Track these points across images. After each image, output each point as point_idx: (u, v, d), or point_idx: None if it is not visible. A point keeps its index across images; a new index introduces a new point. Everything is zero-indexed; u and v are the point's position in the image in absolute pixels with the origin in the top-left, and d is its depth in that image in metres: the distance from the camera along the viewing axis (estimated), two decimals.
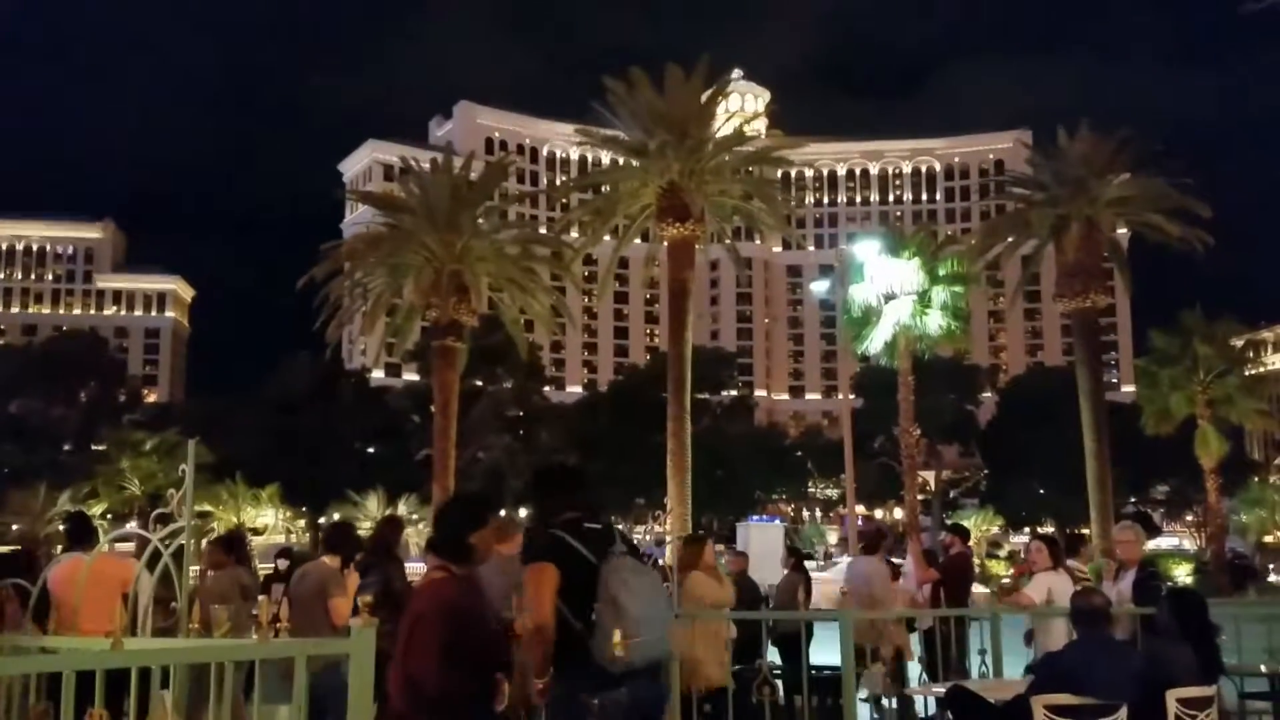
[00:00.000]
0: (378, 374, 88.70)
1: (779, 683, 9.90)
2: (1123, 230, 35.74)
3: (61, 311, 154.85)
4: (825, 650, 9.42)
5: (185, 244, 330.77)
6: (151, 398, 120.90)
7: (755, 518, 63.72)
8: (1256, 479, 56.06)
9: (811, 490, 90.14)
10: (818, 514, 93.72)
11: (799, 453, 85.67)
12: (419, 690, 4.29)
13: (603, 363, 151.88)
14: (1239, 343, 49.74)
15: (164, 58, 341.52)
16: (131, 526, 11.13)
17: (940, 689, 7.54)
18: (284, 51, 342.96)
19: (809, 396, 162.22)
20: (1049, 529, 60.32)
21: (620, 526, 9.38)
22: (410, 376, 77.90)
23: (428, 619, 4.31)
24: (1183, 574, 44.83)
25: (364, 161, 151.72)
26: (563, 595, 4.37)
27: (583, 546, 4.46)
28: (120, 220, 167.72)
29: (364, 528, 50.68)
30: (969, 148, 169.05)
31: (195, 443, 6.64)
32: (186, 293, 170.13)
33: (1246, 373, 48.04)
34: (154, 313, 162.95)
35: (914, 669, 10.18)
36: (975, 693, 6.96)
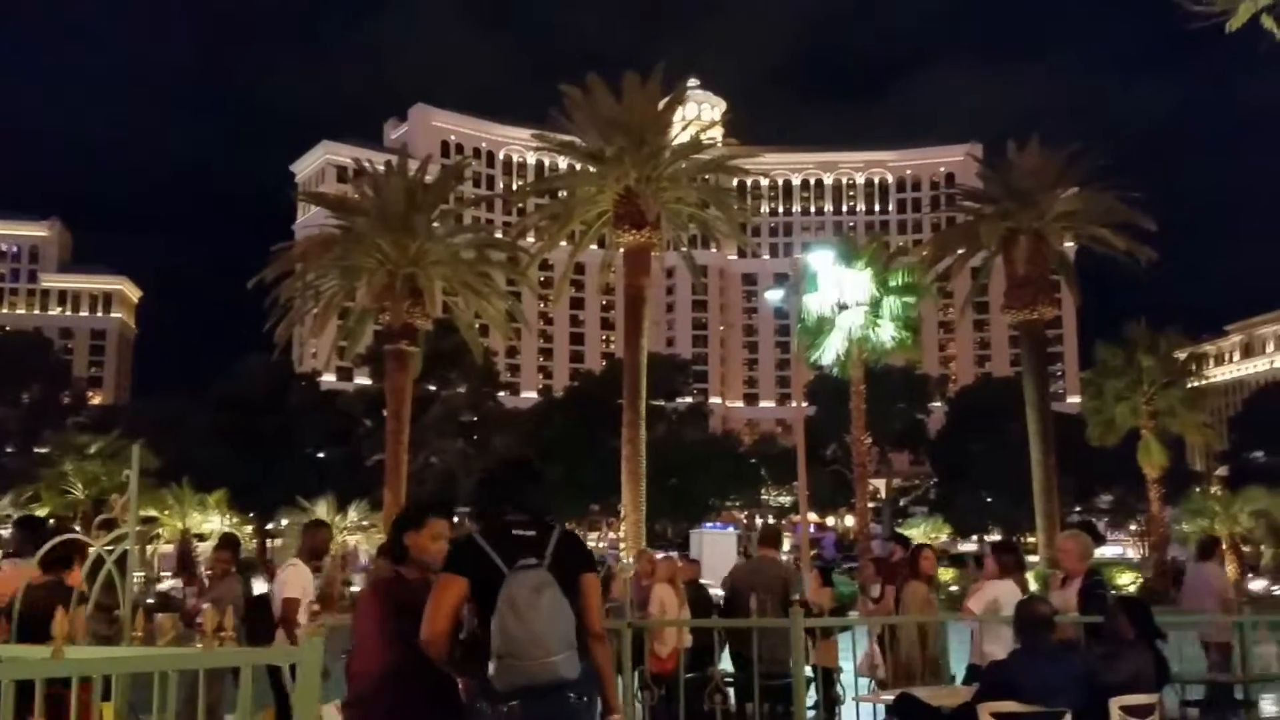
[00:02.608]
0: (329, 377, 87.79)
1: (730, 690, 9.94)
2: (1070, 243, 36.39)
3: (5, 311, 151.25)
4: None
5: (133, 244, 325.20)
6: (96, 400, 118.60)
7: (709, 525, 63.93)
8: (1198, 489, 57.13)
9: (765, 498, 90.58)
10: (770, 521, 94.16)
11: (753, 460, 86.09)
12: (369, 667, 4.52)
13: (558, 368, 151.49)
14: (1182, 355, 50.73)
15: (114, 54, 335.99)
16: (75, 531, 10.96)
17: (889, 696, 7.62)
18: (237, 50, 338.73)
19: (763, 404, 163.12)
20: (996, 537, 61.18)
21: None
22: (362, 380, 77.13)
23: (365, 597, 4.73)
24: (1127, 582, 45.64)
25: (317, 162, 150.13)
26: (473, 602, 4.30)
27: (498, 553, 4.29)
28: (67, 219, 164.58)
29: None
30: (921, 160, 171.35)
31: (140, 446, 6.53)
32: (133, 293, 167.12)
33: (1189, 385, 49.01)
34: (100, 313, 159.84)
35: (848, 679, 10.26)
36: (923, 700, 7.04)
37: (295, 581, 8.38)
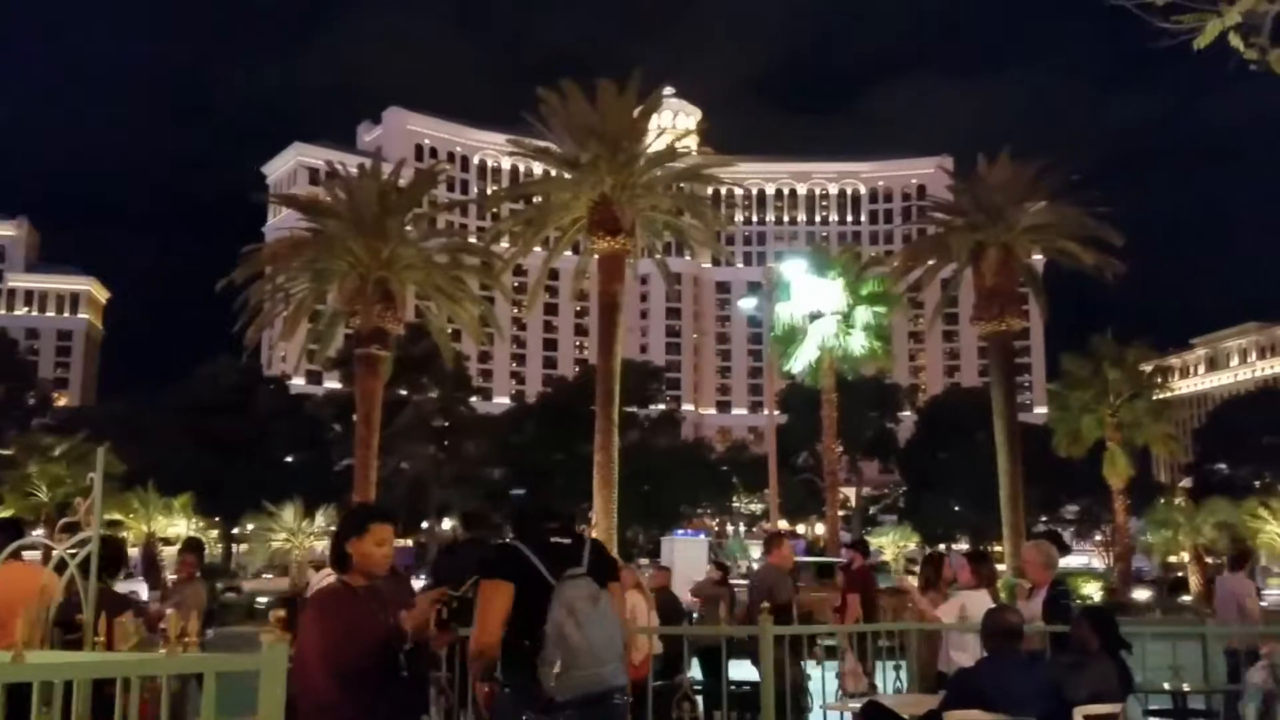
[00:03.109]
0: (298, 381, 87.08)
1: (699, 698, 9.94)
2: (1039, 256, 36.74)
3: None
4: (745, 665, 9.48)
5: (102, 244, 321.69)
6: (62, 401, 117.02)
7: (680, 532, 63.92)
8: (1162, 500, 57.79)
9: (736, 505, 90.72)
10: (741, 529, 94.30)
11: (724, 468, 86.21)
12: (304, 701, 4.24)
13: (531, 374, 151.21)
14: (1148, 368, 51.34)
15: (84, 52, 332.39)
16: (38, 535, 10.84)
17: (855, 704, 7.64)
18: (210, 48, 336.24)
19: (735, 412, 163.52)
20: (964, 545, 61.63)
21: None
22: (332, 384, 76.67)
23: (304, 624, 4.35)
24: (1092, 591, 46.09)
25: (289, 164, 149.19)
26: (514, 610, 4.26)
27: (542, 562, 4.31)
28: (35, 218, 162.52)
29: (278, 539, 49.78)
30: (893, 172, 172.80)
31: (105, 449, 6.45)
32: (101, 294, 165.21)
33: (1154, 397, 49.59)
34: (67, 314, 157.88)
35: (815, 686, 10.30)
36: (890, 708, 7.07)
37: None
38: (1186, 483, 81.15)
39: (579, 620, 4.13)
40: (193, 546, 11.41)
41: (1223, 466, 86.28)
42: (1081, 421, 47.27)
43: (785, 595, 10.57)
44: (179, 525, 54.87)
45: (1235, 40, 5.18)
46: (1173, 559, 52.34)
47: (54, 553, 4.88)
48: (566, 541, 4.45)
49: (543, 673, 4.10)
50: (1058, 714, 6.26)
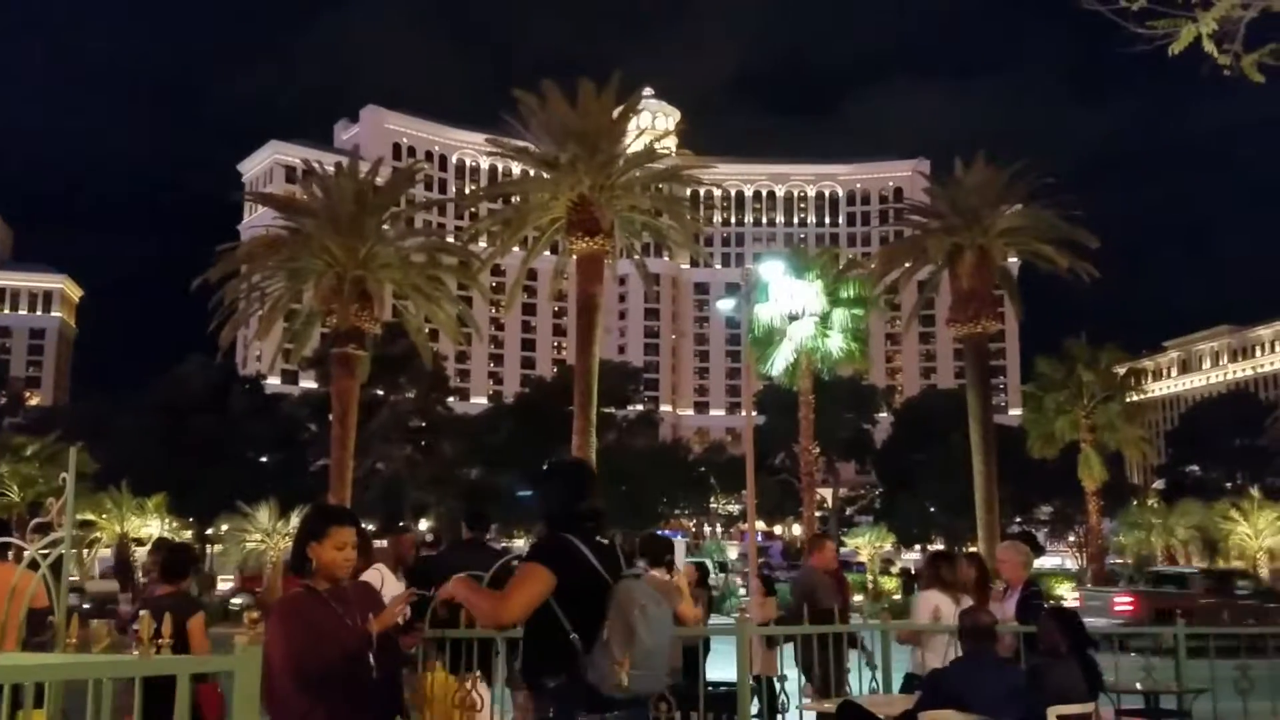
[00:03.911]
0: (274, 380, 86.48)
1: (674, 699, 9.92)
2: (1014, 259, 37.01)
3: None
4: (722, 666, 9.50)
5: (75, 242, 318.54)
6: (34, 400, 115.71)
7: (658, 533, 63.86)
8: (1135, 502, 58.43)
9: (713, 506, 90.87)
10: (719, 530, 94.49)
11: (702, 468, 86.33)
12: (274, 707, 4.15)
13: (509, 374, 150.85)
14: (1121, 371, 51.78)
15: (57, 49, 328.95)
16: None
17: (830, 705, 7.67)
18: (185, 47, 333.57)
19: (713, 413, 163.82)
20: (939, 546, 61.91)
21: (523, 540, 9.25)
22: (308, 384, 76.15)
23: (268, 632, 4.18)
24: (1066, 591, 46.42)
25: (265, 162, 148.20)
26: (564, 604, 4.15)
27: (595, 559, 4.24)
28: (7, 216, 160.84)
29: (252, 540, 49.43)
30: (871, 175, 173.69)
31: (78, 449, 6.39)
32: (74, 292, 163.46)
33: (1128, 400, 50.03)
34: (39, 312, 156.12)
35: (792, 686, 10.33)
36: (865, 708, 7.09)
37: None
38: (1159, 484, 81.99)
39: (649, 621, 4.06)
40: (164, 548, 11.29)
41: (1195, 468, 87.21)
42: (1055, 423, 47.62)
43: (828, 598, 10.50)
44: (152, 526, 54.34)
45: (1210, 46, 5.23)
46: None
47: (25, 554, 4.83)
48: (605, 542, 4.39)
49: (605, 670, 4.01)
50: (1032, 713, 6.31)
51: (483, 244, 37.55)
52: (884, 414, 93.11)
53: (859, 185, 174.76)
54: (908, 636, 8.84)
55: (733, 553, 77.92)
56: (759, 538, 37.00)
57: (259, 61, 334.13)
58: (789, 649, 9.61)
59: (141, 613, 3.70)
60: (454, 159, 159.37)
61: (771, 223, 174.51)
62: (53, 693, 4.27)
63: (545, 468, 4.85)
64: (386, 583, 8.22)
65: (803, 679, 9.46)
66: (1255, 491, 52.83)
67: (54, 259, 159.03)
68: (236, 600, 39.87)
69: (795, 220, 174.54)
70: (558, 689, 4.13)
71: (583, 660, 4.07)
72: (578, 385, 29.06)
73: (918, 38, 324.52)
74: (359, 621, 4.39)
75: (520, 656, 4.38)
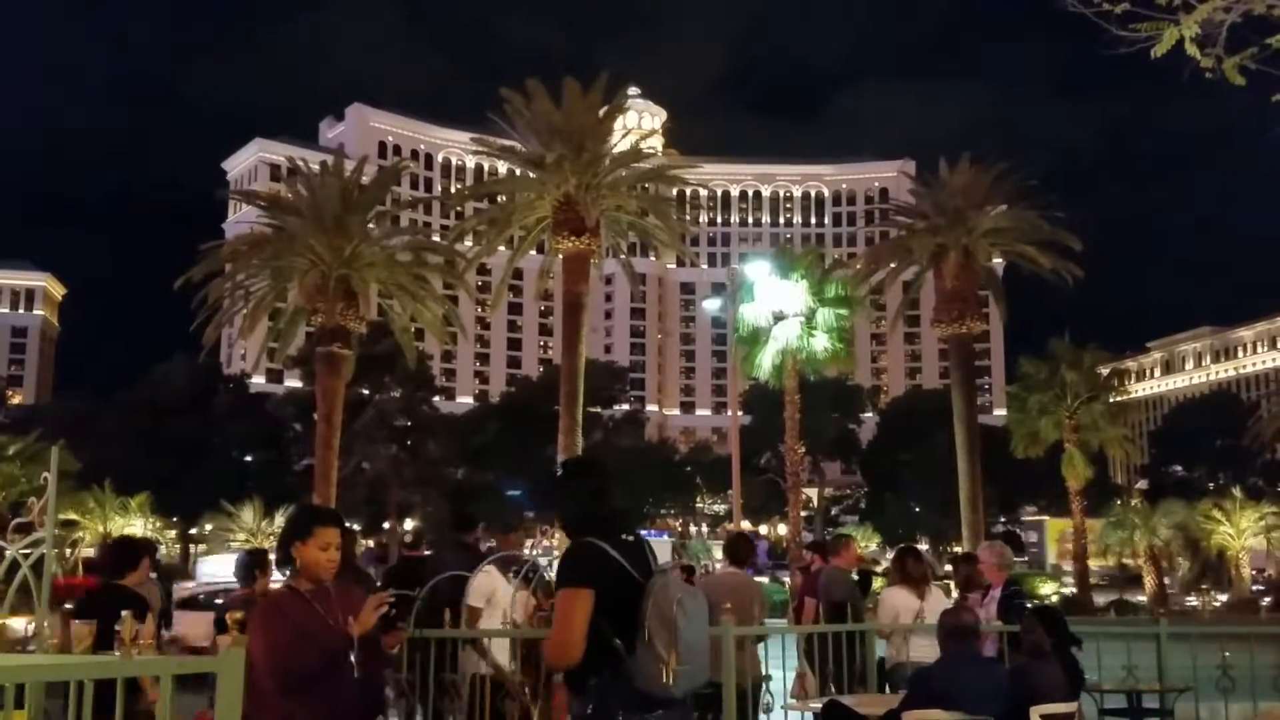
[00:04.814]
0: (258, 380, 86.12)
1: None
2: (998, 260, 37.17)
3: None
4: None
5: (58, 240, 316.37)
6: (16, 399, 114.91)
7: (644, 533, 63.87)
8: (1118, 501, 58.71)
9: (699, 505, 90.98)
10: (705, 529, 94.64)
11: (688, 468, 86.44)
12: (255, 708, 4.02)
13: (495, 373, 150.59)
14: (1105, 371, 52.07)
15: (41, 47, 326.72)
16: None
17: (816, 704, 7.69)
18: (170, 44, 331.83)
19: (699, 412, 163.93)
20: (924, 546, 62.16)
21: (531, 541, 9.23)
22: (293, 383, 75.88)
23: (250, 633, 4.11)
24: (1048, 591, 46.68)
25: (250, 160, 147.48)
26: (604, 612, 4.09)
27: (625, 559, 4.19)
28: None
29: (237, 540, 49.14)
30: (856, 175, 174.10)
31: (60, 448, 6.35)
32: (57, 290, 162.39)
33: (1111, 400, 50.30)
34: (21, 310, 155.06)
35: (776, 686, 10.37)
36: (850, 708, 7.11)
37: (480, 589, 7.89)
38: (1142, 484, 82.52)
39: (688, 615, 4.05)
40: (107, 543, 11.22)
41: (1178, 468, 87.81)
42: (1040, 423, 47.85)
43: (853, 598, 10.50)
44: (135, 525, 54.03)
45: (1192, 49, 5.26)
46: (1128, 560, 53.18)
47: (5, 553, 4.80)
48: (632, 539, 4.33)
49: (651, 670, 3.98)
50: (1015, 712, 6.33)
51: (468, 243, 37.46)
52: (869, 414, 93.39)
53: (845, 186, 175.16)
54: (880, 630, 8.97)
55: (718, 552, 78.08)
56: None
57: (244, 59, 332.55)
58: (773, 646, 9.62)
59: (124, 613, 3.67)
60: (440, 158, 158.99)
61: (757, 223, 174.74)
62: (34, 694, 4.24)
63: (560, 471, 4.74)
64: (498, 588, 8.10)
65: (789, 679, 9.46)
66: (1237, 491, 53.07)
67: (37, 257, 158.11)
68: (218, 601, 39.60)
69: (781, 220, 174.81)
70: (597, 687, 4.10)
71: (627, 663, 4.03)
72: (564, 385, 29.03)
73: (900, 39, 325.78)
74: (341, 622, 4.39)
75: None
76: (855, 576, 11.14)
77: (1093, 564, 51.32)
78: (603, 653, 4.07)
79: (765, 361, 35.19)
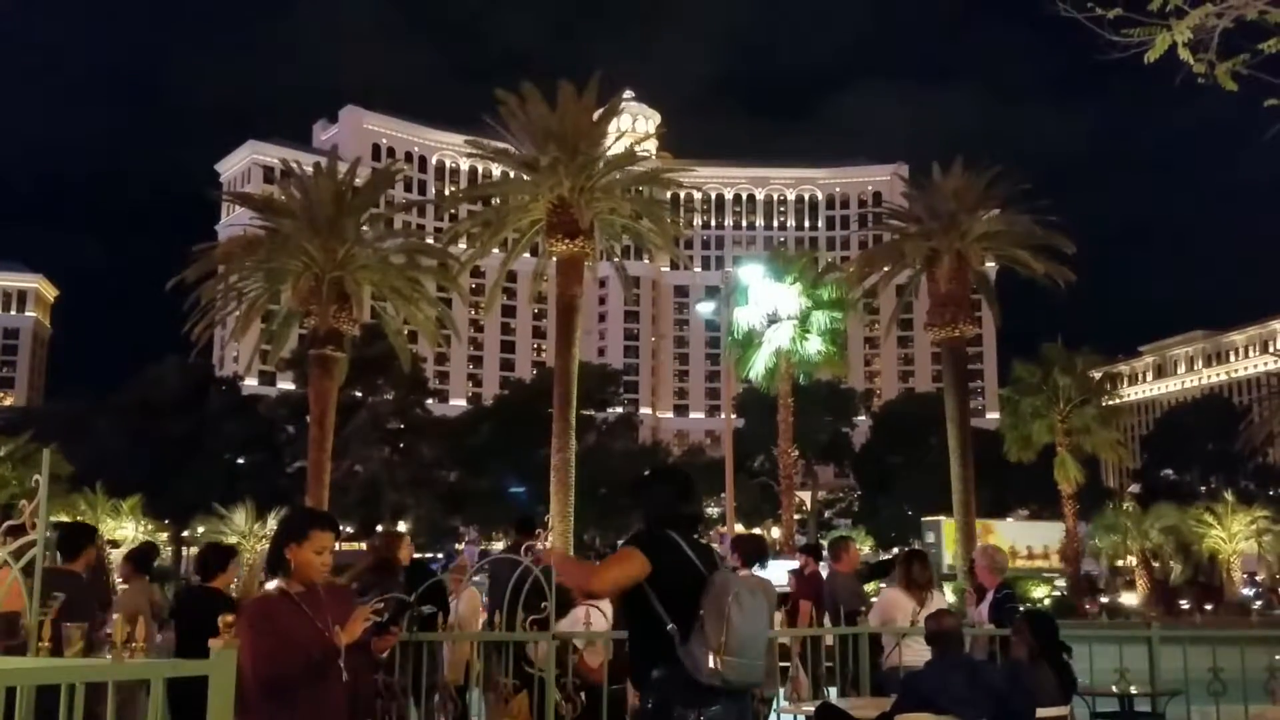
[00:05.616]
0: (251, 382, 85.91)
1: None
2: (991, 264, 37.28)
3: None
4: None
5: (50, 241, 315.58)
6: (8, 401, 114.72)
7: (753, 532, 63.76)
8: (1111, 505, 58.80)
9: None
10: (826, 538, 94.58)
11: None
12: (240, 710, 4.02)
13: (488, 376, 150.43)
14: (1097, 375, 52.18)
15: (32, 47, 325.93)
16: None
17: (809, 707, 7.69)
18: (162, 45, 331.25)
19: (693, 415, 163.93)
20: (917, 548, 62.12)
21: (502, 543, 9.22)
22: (286, 385, 75.75)
23: (237, 635, 4.01)
24: (1041, 595, 46.71)
25: (243, 162, 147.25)
26: (661, 595, 4.28)
27: (694, 556, 4.43)
28: None
29: (229, 542, 49.00)
30: (850, 178, 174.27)
31: (52, 450, 6.34)
32: (50, 292, 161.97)
33: (1103, 404, 50.41)
34: (14, 311, 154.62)
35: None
36: (844, 711, 7.12)
37: (578, 620, 7.88)
38: (1135, 488, 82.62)
39: (743, 609, 4.19)
40: (133, 553, 11.23)
41: (1169, 472, 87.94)
42: (1032, 427, 47.94)
43: (854, 602, 10.54)
44: (128, 528, 53.88)
45: (1185, 54, 5.28)
46: (1120, 563, 53.27)
47: None
48: (704, 542, 4.63)
49: (700, 658, 4.13)
50: (1008, 715, 6.34)
51: (462, 245, 37.43)
52: (862, 417, 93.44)
53: (838, 189, 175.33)
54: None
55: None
56: None
57: (237, 61, 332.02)
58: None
59: (115, 615, 3.66)
60: (434, 160, 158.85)
61: (751, 226, 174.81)
62: (24, 697, 4.23)
63: (646, 473, 5.11)
64: (594, 618, 7.98)
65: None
66: (1229, 495, 53.25)
67: (29, 258, 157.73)
68: None
69: (775, 224, 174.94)
70: (659, 680, 4.23)
71: (679, 651, 4.18)
72: (557, 387, 29.04)
73: (894, 42, 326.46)
74: (330, 626, 4.38)
75: (628, 652, 4.60)
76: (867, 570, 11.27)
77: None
78: (660, 642, 4.23)
79: (759, 364, 35.23)
